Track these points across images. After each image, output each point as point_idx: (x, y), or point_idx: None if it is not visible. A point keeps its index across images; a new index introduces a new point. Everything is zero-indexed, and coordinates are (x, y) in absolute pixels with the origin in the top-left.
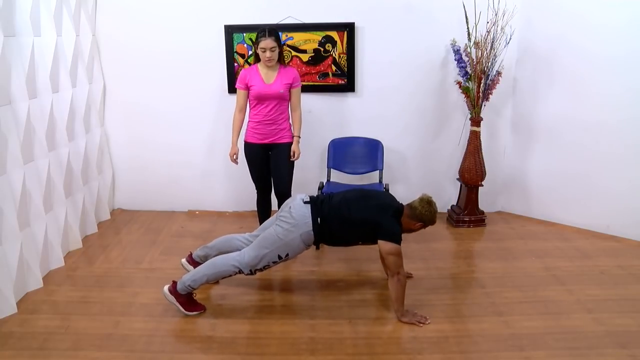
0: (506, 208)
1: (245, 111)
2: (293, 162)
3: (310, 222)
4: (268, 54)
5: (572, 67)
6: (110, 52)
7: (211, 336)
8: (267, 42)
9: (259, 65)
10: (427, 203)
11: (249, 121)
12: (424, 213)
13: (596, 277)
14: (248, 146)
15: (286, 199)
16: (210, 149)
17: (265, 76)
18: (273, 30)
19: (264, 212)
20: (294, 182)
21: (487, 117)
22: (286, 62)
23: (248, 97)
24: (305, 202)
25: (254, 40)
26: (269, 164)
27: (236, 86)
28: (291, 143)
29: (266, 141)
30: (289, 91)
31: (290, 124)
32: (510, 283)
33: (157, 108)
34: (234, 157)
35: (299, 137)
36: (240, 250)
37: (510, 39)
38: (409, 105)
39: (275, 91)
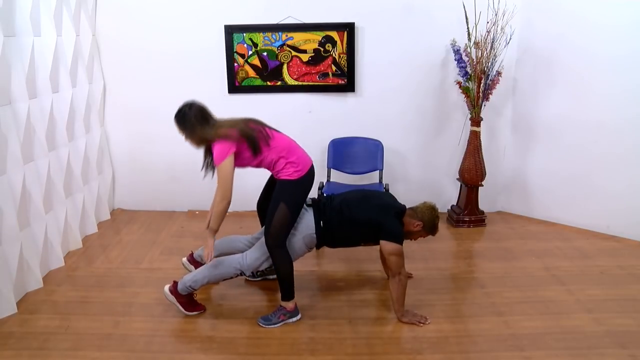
0: (506, 208)
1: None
2: (283, 206)
3: (313, 225)
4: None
5: (572, 67)
6: (110, 52)
7: (211, 336)
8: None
9: None
10: (430, 206)
11: None
12: (424, 212)
13: (596, 277)
14: None
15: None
16: None
17: None
18: (176, 116)
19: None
20: None
21: (487, 117)
22: (286, 62)
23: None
24: (308, 206)
25: (253, 41)
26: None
27: None
28: (284, 180)
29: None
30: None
31: (289, 167)
32: (510, 283)
33: (157, 108)
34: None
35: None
36: (241, 252)
37: (510, 39)
38: (409, 105)
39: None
